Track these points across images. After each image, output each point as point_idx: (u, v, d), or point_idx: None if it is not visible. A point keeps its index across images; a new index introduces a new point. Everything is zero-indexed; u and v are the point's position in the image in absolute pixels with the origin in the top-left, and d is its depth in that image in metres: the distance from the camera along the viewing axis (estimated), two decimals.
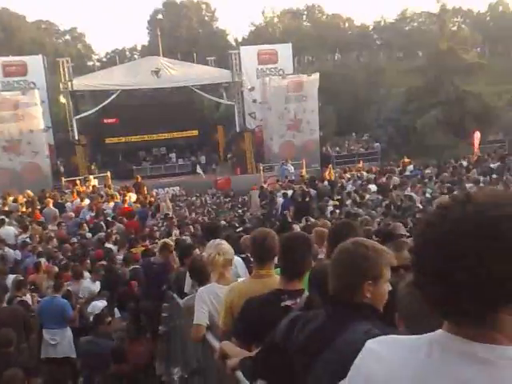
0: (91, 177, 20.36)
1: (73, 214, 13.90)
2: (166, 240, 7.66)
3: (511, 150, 22.04)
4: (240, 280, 3.77)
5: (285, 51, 32.00)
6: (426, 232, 1.01)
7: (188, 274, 4.88)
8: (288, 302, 2.70)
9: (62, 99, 27.93)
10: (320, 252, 5.47)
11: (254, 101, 30.75)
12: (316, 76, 28.56)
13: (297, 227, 6.39)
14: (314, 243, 5.46)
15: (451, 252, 0.94)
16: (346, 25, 60.63)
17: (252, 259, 3.75)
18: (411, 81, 32.69)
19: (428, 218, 1.04)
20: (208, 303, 3.71)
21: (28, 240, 10.93)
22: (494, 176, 14.59)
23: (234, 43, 51.91)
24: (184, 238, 10.19)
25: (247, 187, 23.01)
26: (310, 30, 56.82)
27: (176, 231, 11.59)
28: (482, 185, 13.10)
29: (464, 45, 33.52)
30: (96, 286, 8.07)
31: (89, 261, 9.30)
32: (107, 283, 7.99)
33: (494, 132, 29.46)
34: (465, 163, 16.98)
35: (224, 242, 4.01)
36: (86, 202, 14.58)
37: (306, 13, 64.43)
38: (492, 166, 16.07)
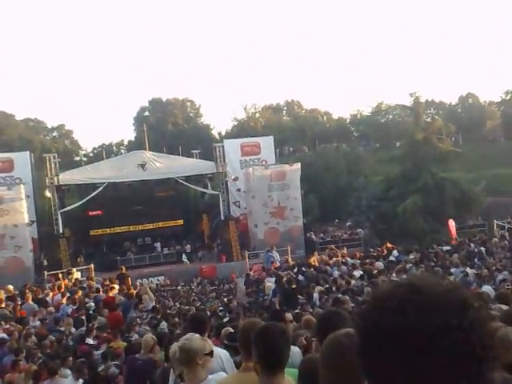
0: (74, 269, 20.09)
1: (53, 309, 13.55)
2: (149, 335, 7.48)
3: (491, 235, 22.45)
4: (225, 375, 3.61)
5: (267, 143, 33.25)
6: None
7: (172, 369, 4.76)
8: None
9: (48, 193, 28.20)
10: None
11: (238, 190, 31.41)
12: (298, 166, 29.51)
13: (289, 315, 6.26)
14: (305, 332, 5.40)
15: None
16: (325, 118, 63.48)
17: (240, 351, 3.50)
18: (389, 169, 33.78)
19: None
20: None
21: (6, 337, 10.55)
22: (476, 260, 14.78)
23: (217, 137, 53.73)
24: (166, 330, 9.95)
25: (237, 274, 23.28)
26: (290, 123, 59.28)
27: (163, 323, 11.33)
28: (468, 268, 13.22)
29: (438, 134, 35.02)
30: None
31: (71, 358, 8.96)
32: (91, 382, 7.64)
33: (473, 217, 30.15)
34: (446, 248, 17.20)
35: (195, 336, 3.75)
36: (68, 295, 14.28)
37: (285, 108, 67.57)
38: (476, 250, 16.31)
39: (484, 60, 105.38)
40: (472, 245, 17.41)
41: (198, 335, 3.88)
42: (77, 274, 19.15)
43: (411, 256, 15.91)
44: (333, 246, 20.83)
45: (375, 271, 14.12)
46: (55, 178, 27.75)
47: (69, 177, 28.54)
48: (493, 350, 0.93)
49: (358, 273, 14.37)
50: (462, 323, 0.91)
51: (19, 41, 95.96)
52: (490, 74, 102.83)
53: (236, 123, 60.00)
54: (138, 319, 11.95)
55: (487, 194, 31.84)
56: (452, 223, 23.00)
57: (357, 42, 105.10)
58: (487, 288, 9.97)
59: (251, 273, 19.77)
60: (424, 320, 0.91)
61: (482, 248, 16.35)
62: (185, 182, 30.36)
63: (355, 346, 1.67)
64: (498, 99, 60.85)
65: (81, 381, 7.76)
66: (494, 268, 13.03)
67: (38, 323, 12.28)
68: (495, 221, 25.53)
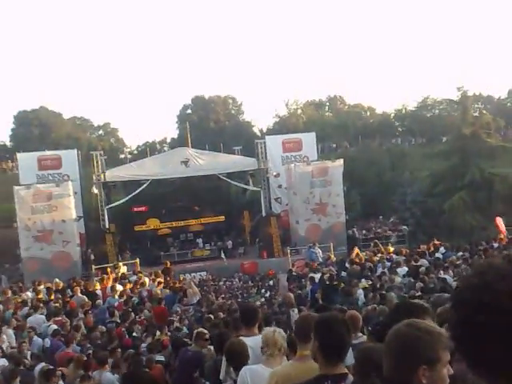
0: (120, 264, 20.53)
1: (101, 302, 13.89)
2: (200, 329, 7.49)
3: None
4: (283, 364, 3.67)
5: (309, 139, 33.01)
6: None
7: (224, 359, 4.77)
8: None
9: (95, 190, 28.87)
10: (353, 338, 5.30)
11: (280, 186, 31.35)
12: (340, 162, 29.18)
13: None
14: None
15: None
16: (368, 113, 62.39)
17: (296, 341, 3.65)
18: (435, 165, 32.99)
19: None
20: None
21: (58, 328, 10.86)
22: None
23: (259, 133, 53.71)
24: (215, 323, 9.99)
25: (276, 270, 23.34)
26: (332, 119, 58.60)
27: (209, 316, 11.39)
28: None
29: (487, 129, 33.97)
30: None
31: (119, 349, 9.15)
32: (132, 374, 7.74)
33: None
34: (496, 245, 16.60)
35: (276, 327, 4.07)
36: (118, 287, 14.61)
37: (328, 103, 66.81)
38: None
39: None
40: None
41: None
42: (123, 269, 19.56)
43: (460, 253, 15.43)
44: (377, 240, 20.46)
45: (421, 268, 13.75)
46: (102, 175, 28.45)
47: (115, 174, 29.20)
48: None
49: (402, 270, 14.05)
50: None
51: (66, 42, 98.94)
52: None
53: (278, 119, 59.82)
54: (184, 313, 12.07)
55: None
56: (500, 220, 22.15)
57: (402, 34, 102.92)
58: None
59: (293, 268, 19.70)
60: None
61: None
62: (227, 179, 30.55)
63: (414, 335, 1.76)
64: None
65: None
66: None
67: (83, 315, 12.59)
68: None
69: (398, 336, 1.81)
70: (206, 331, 7.02)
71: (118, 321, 11.38)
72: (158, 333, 10.04)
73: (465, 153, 30.20)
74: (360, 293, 11.70)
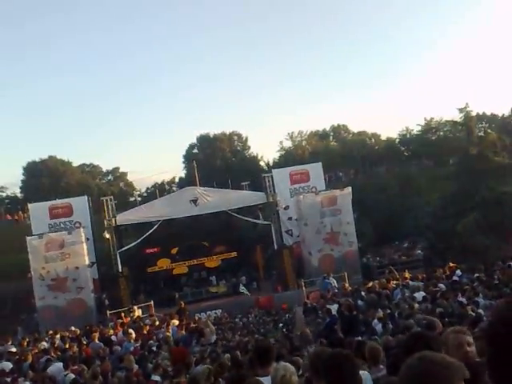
0: (135, 307, 20.46)
1: (118, 348, 13.77)
2: (206, 366, 7.42)
3: None
4: None
5: (315, 170, 33.14)
6: None
7: None
8: None
9: (107, 235, 29.00)
10: (374, 371, 5.24)
11: (290, 218, 31.33)
12: (348, 190, 29.26)
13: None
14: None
15: None
16: (373, 140, 62.66)
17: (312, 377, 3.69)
18: (444, 187, 32.92)
19: None
20: None
21: (76, 377, 10.74)
22: None
23: (265, 167, 54.00)
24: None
25: (290, 304, 23.03)
26: (337, 148, 58.90)
27: (227, 355, 11.25)
28: None
29: (493, 148, 34.00)
30: None
31: None
32: None
33: None
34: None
35: (286, 363, 4.00)
36: (131, 332, 14.49)
37: (332, 133, 67.31)
38: None
39: None
40: None
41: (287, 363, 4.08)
42: (138, 312, 19.47)
43: (476, 274, 15.22)
44: (391, 267, 20.30)
45: (439, 293, 13.55)
46: (113, 220, 28.64)
47: (125, 217, 29.40)
48: None
49: (419, 295, 13.84)
50: None
51: (67, 91, 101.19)
52: None
53: (283, 152, 60.20)
54: (202, 353, 11.91)
55: None
56: None
57: (398, 58, 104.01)
58: None
59: (308, 301, 19.48)
60: None
61: None
62: (236, 215, 30.65)
63: (427, 369, 1.69)
64: None
65: None
66: None
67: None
68: None
69: (411, 371, 1.75)
70: (210, 367, 6.96)
71: (133, 366, 11.23)
72: None
73: (473, 173, 30.19)
74: (376, 323, 11.52)
